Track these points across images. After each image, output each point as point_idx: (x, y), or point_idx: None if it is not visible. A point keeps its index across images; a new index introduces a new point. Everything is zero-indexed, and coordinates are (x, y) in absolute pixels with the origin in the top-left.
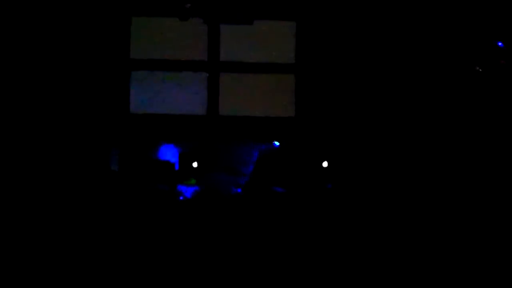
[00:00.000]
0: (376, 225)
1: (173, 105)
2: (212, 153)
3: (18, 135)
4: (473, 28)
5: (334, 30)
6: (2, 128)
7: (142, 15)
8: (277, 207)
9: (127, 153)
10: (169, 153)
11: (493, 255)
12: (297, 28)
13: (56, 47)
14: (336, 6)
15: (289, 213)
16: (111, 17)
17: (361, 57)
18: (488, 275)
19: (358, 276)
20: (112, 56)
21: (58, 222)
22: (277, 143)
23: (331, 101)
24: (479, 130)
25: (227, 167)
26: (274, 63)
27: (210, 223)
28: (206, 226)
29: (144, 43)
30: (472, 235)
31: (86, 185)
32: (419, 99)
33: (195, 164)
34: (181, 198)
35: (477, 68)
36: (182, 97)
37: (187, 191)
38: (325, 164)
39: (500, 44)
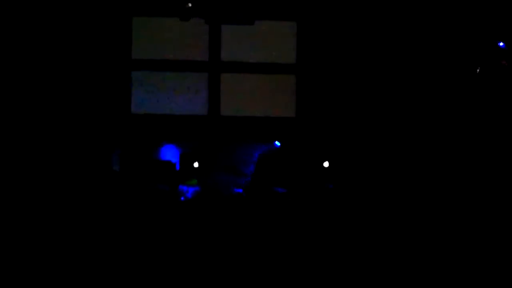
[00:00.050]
0: (377, 225)
1: (174, 105)
2: (213, 153)
3: (21, 135)
4: (475, 28)
5: (335, 30)
6: (4, 128)
7: (143, 15)
8: (278, 207)
9: (128, 153)
10: (170, 153)
11: (493, 255)
12: (298, 28)
13: (57, 48)
14: (336, 7)
15: (290, 213)
16: (112, 17)
17: (362, 58)
18: (488, 275)
19: (360, 275)
20: (113, 56)
21: (60, 221)
22: (278, 143)
23: (332, 101)
24: (480, 130)
25: (228, 167)
26: (275, 63)
27: (211, 223)
28: (207, 226)
29: (145, 44)
30: (472, 235)
31: (88, 185)
32: (420, 99)
33: (196, 164)
34: (182, 198)
35: (478, 68)
36: (183, 97)
37: (188, 191)
38: (326, 164)
39: (501, 44)
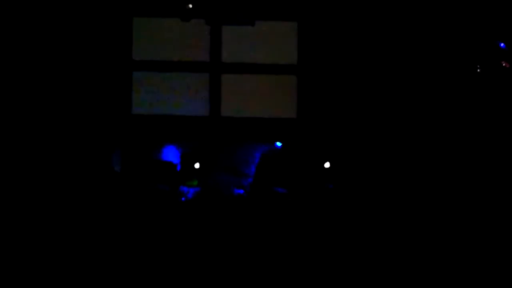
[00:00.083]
0: (377, 225)
1: (175, 106)
2: (214, 154)
3: (21, 136)
4: (475, 29)
5: (336, 31)
6: (5, 129)
7: (144, 16)
8: (279, 208)
9: (129, 153)
10: (171, 154)
11: (494, 256)
12: (299, 29)
13: (58, 49)
14: (337, 7)
15: (291, 214)
16: (113, 18)
17: (363, 58)
18: (489, 275)
19: (360, 275)
20: (114, 57)
21: (61, 222)
22: (279, 144)
23: (333, 102)
24: (481, 131)
25: (229, 167)
26: (276, 64)
27: (212, 223)
28: (208, 226)
29: (146, 44)
30: (473, 236)
31: (88, 185)
32: (421, 100)
33: (197, 165)
34: (183, 199)
35: (479, 69)
36: (184, 98)
37: (189, 191)
38: (326, 164)
39: (502, 45)
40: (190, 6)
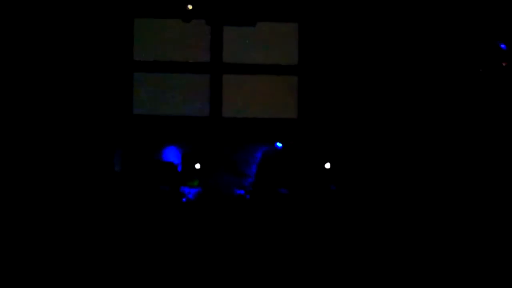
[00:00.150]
0: (379, 226)
1: (176, 106)
2: (215, 154)
3: (22, 136)
4: (476, 29)
5: (337, 31)
6: (5, 129)
7: (145, 16)
8: (280, 208)
9: (130, 154)
10: (172, 154)
11: (496, 256)
12: (299, 29)
13: (58, 49)
14: (339, 7)
15: (293, 214)
16: (114, 19)
17: (364, 59)
18: (489, 276)
19: (362, 276)
20: (115, 57)
21: (61, 222)
22: (280, 145)
23: (334, 102)
24: (482, 132)
25: (230, 168)
26: (277, 64)
27: (213, 224)
28: (209, 227)
29: (147, 45)
30: (474, 236)
31: (89, 186)
32: (422, 100)
33: (198, 166)
34: (184, 199)
35: (480, 70)
36: (184, 98)
37: (190, 192)
38: (328, 165)
39: (502, 46)
40: (191, 7)
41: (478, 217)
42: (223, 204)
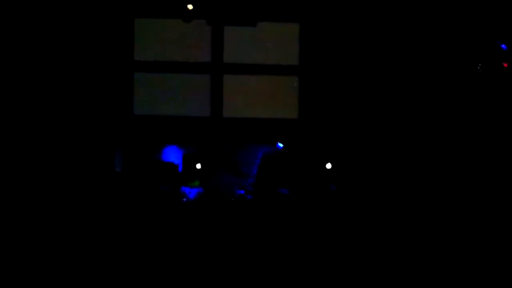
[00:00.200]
0: (379, 226)
1: (176, 106)
2: (215, 155)
3: (22, 136)
4: (476, 30)
5: (337, 32)
6: (6, 129)
7: (145, 16)
8: (281, 209)
9: (130, 154)
10: (172, 155)
11: (496, 257)
12: (300, 30)
13: (59, 49)
14: (339, 8)
15: (293, 215)
16: (114, 19)
17: (364, 59)
18: (490, 276)
19: (362, 276)
20: (115, 58)
21: (62, 223)
22: (280, 145)
23: (335, 103)
24: (483, 132)
25: (230, 168)
26: (277, 65)
27: (213, 224)
28: (209, 227)
29: (148, 45)
30: (474, 236)
31: (90, 186)
32: (423, 101)
33: (198, 166)
34: (184, 199)
35: (480, 70)
36: (185, 98)
37: (190, 192)
38: (328, 165)
39: (503, 46)
40: (191, 7)
41: (478, 217)
42: (224, 204)
